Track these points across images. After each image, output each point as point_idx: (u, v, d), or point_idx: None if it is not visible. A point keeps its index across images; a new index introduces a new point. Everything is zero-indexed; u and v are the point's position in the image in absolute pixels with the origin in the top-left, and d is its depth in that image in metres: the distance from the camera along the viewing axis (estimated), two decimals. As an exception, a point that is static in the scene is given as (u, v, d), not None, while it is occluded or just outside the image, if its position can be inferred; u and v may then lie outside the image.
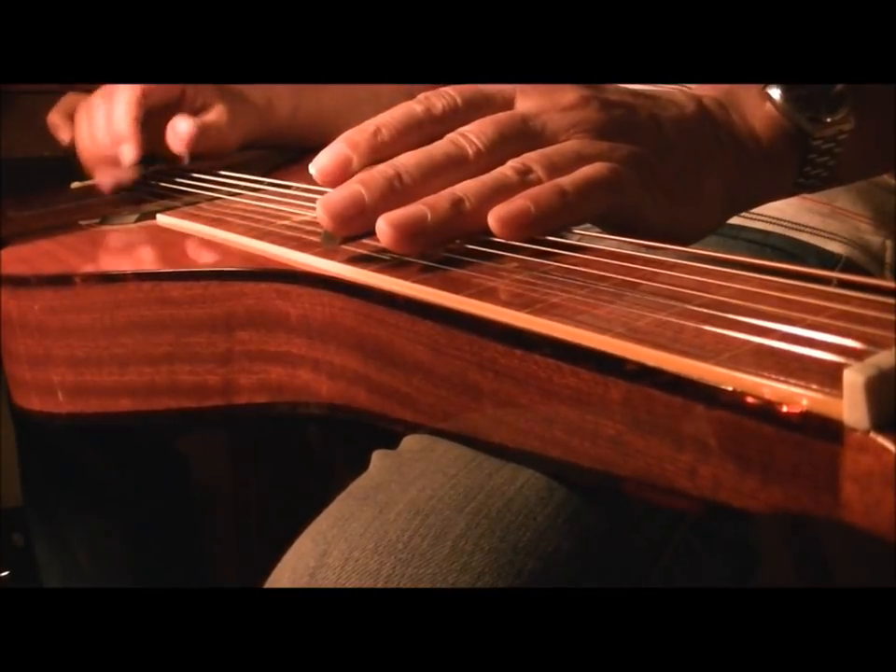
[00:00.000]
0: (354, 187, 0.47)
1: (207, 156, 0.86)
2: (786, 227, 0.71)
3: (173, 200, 0.73)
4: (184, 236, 0.63)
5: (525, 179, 0.47)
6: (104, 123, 0.82)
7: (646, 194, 0.49)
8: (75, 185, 0.87)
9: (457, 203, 0.46)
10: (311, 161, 0.51)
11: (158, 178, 0.83)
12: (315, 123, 0.93)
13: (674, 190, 0.50)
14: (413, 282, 0.44)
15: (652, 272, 0.42)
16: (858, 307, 0.34)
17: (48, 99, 0.92)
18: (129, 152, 0.81)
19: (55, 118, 0.91)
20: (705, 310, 0.37)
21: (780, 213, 0.71)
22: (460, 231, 0.46)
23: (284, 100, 0.90)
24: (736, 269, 0.40)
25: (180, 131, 0.82)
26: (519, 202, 0.45)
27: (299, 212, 0.60)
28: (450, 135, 0.49)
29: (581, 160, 0.48)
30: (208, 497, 1.07)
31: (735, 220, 0.69)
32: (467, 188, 0.47)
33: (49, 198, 0.84)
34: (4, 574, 1.10)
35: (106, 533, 0.96)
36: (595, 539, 0.48)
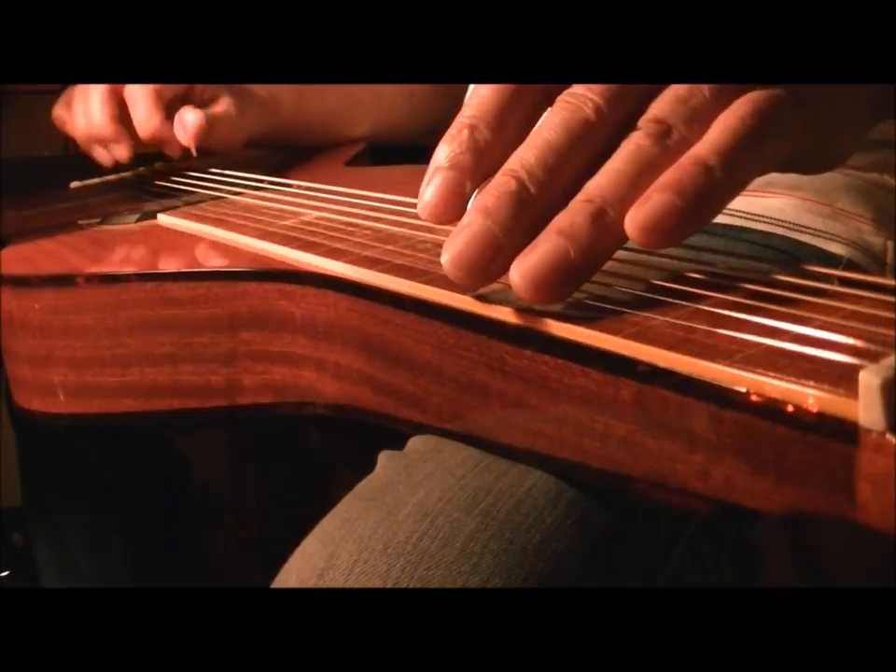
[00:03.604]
0: (478, 223, 0.38)
1: (216, 151, 0.86)
2: (787, 228, 0.71)
3: (173, 199, 0.73)
4: (186, 236, 0.63)
5: (665, 146, 0.37)
6: (101, 116, 0.82)
7: (808, 117, 0.40)
8: (74, 184, 0.87)
9: (599, 216, 0.37)
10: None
11: (158, 177, 0.83)
12: (318, 121, 0.93)
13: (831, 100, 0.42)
14: (420, 282, 0.44)
15: (661, 271, 0.42)
16: (870, 308, 0.34)
17: (48, 99, 0.92)
18: (173, 150, 0.82)
19: (61, 112, 0.91)
20: (716, 310, 0.37)
21: (781, 214, 0.71)
22: (609, 252, 0.38)
23: (287, 97, 0.90)
24: (745, 268, 0.40)
25: (189, 123, 0.81)
26: (658, 198, 0.36)
27: (301, 211, 0.60)
28: (560, 98, 0.40)
29: (726, 95, 0.38)
30: (208, 497, 1.07)
31: (734, 221, 0.69)
32: (602, 187, 0.37)
33: (49, 198, 0.84)
34: (4, 574, 1.10)
35: (106, 533, 0.95)
36: (604, 541, 0.48)
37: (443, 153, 0.40)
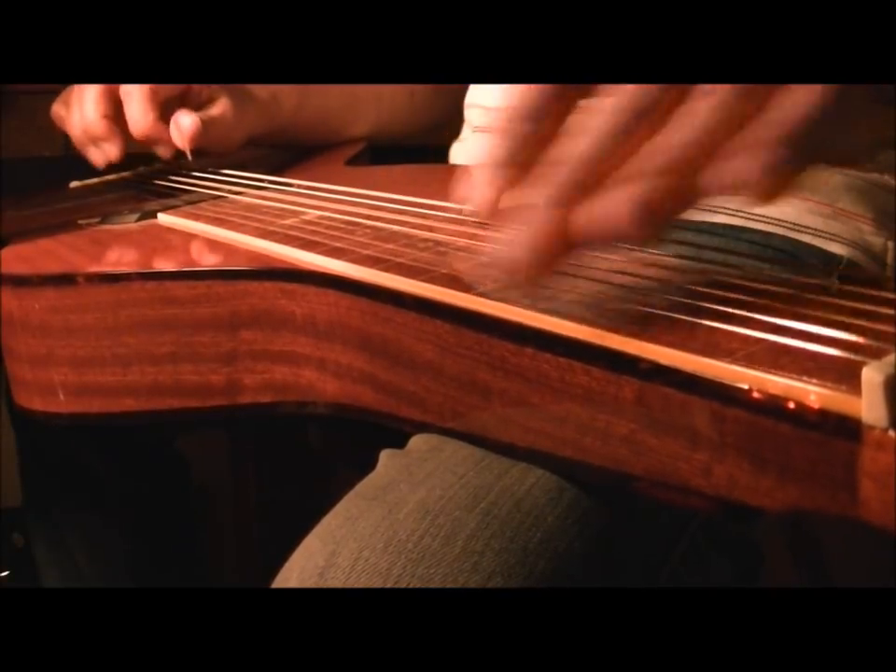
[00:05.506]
0: (539, 215, 0.37)
1: (212, 152, 0.85)
2: (788, 228, 0.71)
3: (173, 199, 0.73)
4: (186, 235, 0.63)
5: (729, 118, 0.36)
6: (94, 113, 0.82)
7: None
8: (74, 184, 0.87)
9: (669, 166, 0.35)
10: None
11: (158, 177, 0.83)
12: (319, 121, 0.92)
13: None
14: (421, 281, 0.44)
15: (664, 270, 0.42)
16: (872, 305, 0.34)
17: (48, 99, 0.92)
18: (165, 151, 0.82)
19: (59, 109, 0.91)
20: (718, 308, 0.37)
21: (782, 214, 0.71)
22: (680, 205, 0.36)
23: (289, 97, 0.90)
24: (748, 267, 0.40)
25: (184, 125, 0.81)
26: (741, 162, 0.34)
27: (302, 210, 0.60)
28: (600, 91, 0.39)
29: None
30: (208, 497, 1.07)
31: (736, 221, 0.69)
32: (665, 145, 0.36)
33: (49, 198, 0.83)
34: (4, 574, 1.09)
35: (106, 533, 0.95)
36: (605, 540, 0.48)
37: (494, 149, 0.40)
